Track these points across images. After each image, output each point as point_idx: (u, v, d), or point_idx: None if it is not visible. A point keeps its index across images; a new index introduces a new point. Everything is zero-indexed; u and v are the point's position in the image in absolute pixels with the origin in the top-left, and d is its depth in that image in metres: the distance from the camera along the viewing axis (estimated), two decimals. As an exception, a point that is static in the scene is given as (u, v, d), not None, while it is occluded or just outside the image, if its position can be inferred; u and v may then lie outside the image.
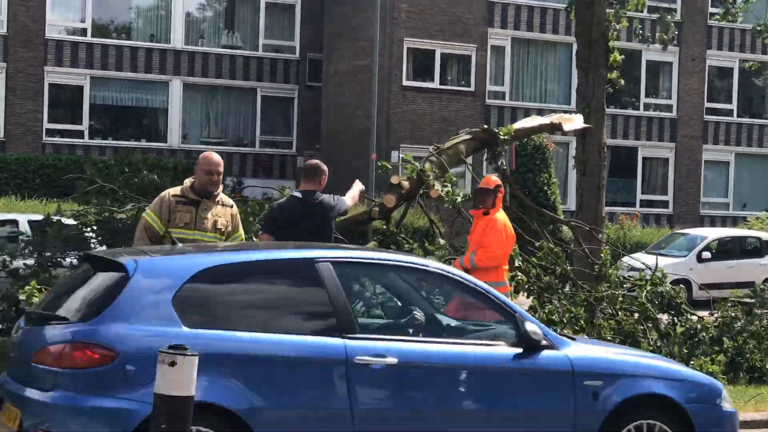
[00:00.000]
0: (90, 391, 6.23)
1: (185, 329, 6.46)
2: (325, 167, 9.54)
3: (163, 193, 8.48)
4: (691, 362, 12.75)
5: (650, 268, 14.19)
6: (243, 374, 6.48)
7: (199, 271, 6.72)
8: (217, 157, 8.59)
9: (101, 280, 6.81)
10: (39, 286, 9.93)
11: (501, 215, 10.94)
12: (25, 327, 6.87)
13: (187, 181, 8.53)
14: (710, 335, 13.35)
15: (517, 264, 12.87)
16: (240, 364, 6.51)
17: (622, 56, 17.17)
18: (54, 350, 6.33)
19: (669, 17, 20.29)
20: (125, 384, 6.25)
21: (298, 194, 9.34)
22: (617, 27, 16.97)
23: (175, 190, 8.48)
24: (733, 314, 13.75)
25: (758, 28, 23.87)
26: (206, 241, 8.33)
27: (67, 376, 6.26)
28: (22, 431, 6.34)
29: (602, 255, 14.11)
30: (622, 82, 16.95)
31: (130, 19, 35.77)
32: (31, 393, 6.37)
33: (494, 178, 11.40)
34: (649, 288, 13.64)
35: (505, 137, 13.63)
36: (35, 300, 9.60)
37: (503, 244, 10.80)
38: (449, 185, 12.50)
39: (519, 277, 12.69)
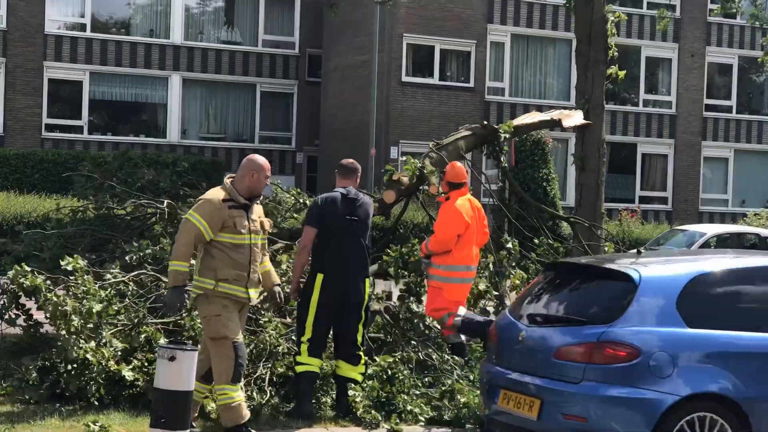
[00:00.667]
0: (618, 383, 7.31)
1: (688, 330, 7.47)
2: (359, 165, 9.79)
3: (210, 198, 8.13)
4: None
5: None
6: (738, 368, 7.44)
7: (693, 277, 7.75)
8: None
9: (607, 287, 7.98)
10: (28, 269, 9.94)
11: (459, 201, 10.95)
12: (528, 327, 7.97)
13: (228, 183, 8.27)
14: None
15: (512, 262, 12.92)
16: (735, 359, 7.47)
17: (617, 52, 17.13)
18: (581, 348, 7.46)
19: (668, 13, 20.21)
20: (648, 377, 7.28)
21: (342, 191, 9.47)
22: (615, 20, 16.96)
23: (221, 194, 8.17)
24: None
25: (755, 17, 23.82)
26: (259, 244, 8.32)
27: (596, 370, 7.37)
28: (541, 417, 7.53)
29: (606, 249, 14.14)
30: (621, 75, 16.90)
31: (129, 15, 35.76)
32: (557, 384, 7.53)
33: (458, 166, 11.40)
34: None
35: (505, 134, 13.64)
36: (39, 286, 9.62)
37: (447, 228, 10.83)
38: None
39: (518, 273, 12.73)
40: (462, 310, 10.68)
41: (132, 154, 23.64)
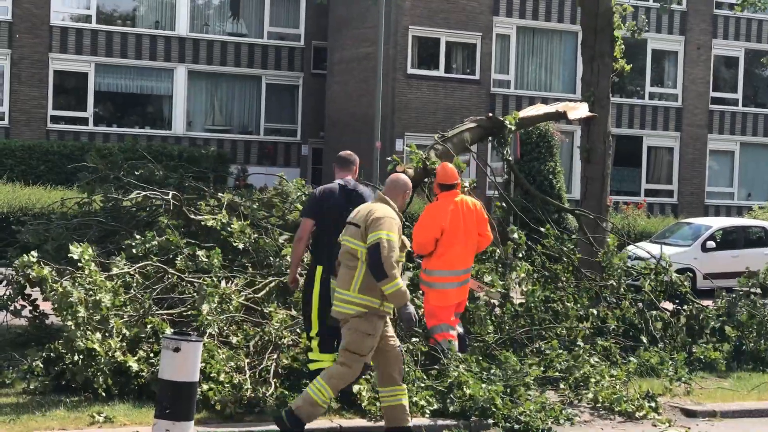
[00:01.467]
0: None
1: None
2: (356, 157, 9.80)
3: (394, 217, 8.31)
4: (694, 350, 12.78)
5: (655, 257, 14.18)
6: None
7: None
8: None
9: None
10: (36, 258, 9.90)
11: (442, 203, 10.80)
12: None
13: (389, 201, 8.47)
14: (711, 325, 13.35)
15: (519, 254, 12.91)
16: None
17: (623, 45, 17.09)
18: None
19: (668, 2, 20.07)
20: None
21: (340, 182, 9.51)
22: (622, 13, 16.93)
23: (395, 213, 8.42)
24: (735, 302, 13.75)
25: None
26: None
27: None
28: None
29: (608, 241, 14.11)
30: (627, 68, 16.89)
31: (134, 6, 35.75)
32: None
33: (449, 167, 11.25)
34: (653, 277, 13.65)
35: (510, 125, 13.63)
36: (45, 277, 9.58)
37: (421, 232, 10.70)
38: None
39: (524, 266, 12.72)
40: (457, 329, 10.62)
41: (139, 146, 23.62)
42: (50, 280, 9.56)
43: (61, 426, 8.24)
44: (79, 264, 9.85)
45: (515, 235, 12.92)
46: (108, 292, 9.58)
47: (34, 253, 9.97)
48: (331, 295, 8.59)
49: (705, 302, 14.27)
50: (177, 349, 6.99)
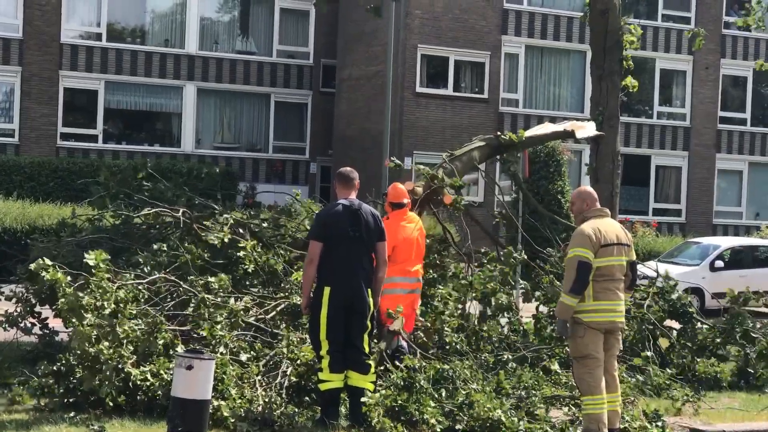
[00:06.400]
0: None
1: None
2: (356, 173, 9.82)
3: None
4: (698, 370, 12.77)
5: (661, 276, 14.18)
6: None
7: None
8: None
9: None
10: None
11: (393, 221, 10.87)
12: None
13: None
14: (717, 344, 13.33)
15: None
16: None
17: (631, 64, 17.15)
18: None
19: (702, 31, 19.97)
20: None
21: (344, 202, 9.50)
22: (631, 36, 16.99)
23: None
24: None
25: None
26: None
27: None
28: None
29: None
30: (635, 88, 16.93)
31: (145, 24, 35.91)
32: None
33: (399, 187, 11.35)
34: (659, 296, 13.64)
35: (511, 140, 13.70)
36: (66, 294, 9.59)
37: None
38: (458, 190, 12.59)
39: (531, 285, 12.75)
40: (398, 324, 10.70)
41: (149, 163, 23.69)
42: (63, 284, 9.55)
43: (70, 443, 8.25)
44: (91, 273, 9.87)
45: (512, 257, 12.95)
46: (116, 302, 9.59)
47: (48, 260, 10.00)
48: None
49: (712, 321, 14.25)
50: (190, 367, 7.02)
